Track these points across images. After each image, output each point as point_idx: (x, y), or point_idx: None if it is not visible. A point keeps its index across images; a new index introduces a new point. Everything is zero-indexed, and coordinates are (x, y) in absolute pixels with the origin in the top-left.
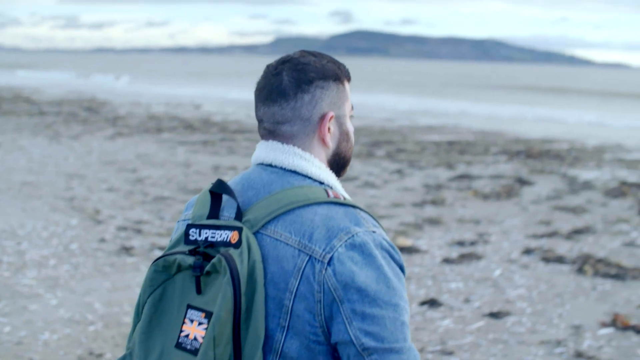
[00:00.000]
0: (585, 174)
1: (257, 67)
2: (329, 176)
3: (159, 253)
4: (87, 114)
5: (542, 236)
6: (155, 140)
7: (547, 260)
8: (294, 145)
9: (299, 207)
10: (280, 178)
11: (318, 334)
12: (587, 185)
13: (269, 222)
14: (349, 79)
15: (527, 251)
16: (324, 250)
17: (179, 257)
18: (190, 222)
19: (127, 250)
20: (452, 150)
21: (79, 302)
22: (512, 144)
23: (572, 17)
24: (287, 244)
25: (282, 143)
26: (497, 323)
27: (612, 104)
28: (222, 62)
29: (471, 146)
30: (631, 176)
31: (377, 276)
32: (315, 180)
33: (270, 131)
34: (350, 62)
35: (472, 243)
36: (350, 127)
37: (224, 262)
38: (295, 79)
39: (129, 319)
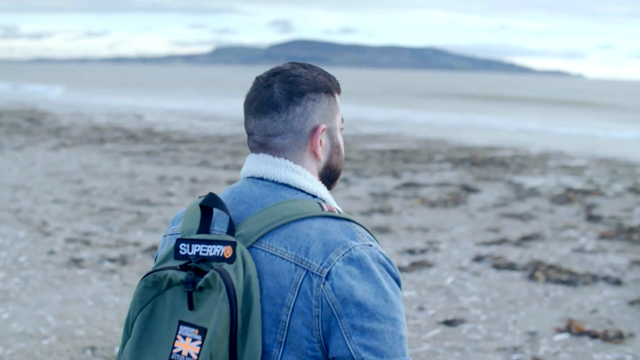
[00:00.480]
0: (530, 180)
1: (197, 76)
2: (321, 189)
3: (109, 265)
4: (30, 124)
5: (491, 243)
6: (99, 151)
7: (498, 267)
8: (285, 158)
9: (294, 221)
10: (273, 192)
11: (316, 349)
12: (533, 192)
13: (262, 236)
14: (339, 92)
15: (478, 258)
16: (321, 264)
17: (170, 272)
18: (179, 236)
19: (76, 262)
20: (397, 159)
21: (31, 315)
22: (456, 151)
23: (511, 26)
24: (283, 259)
25: (274, 156)
26: (453, 331)
27: (552, 112)
28: (162, 72)
29: (415, 154)
30: (576, 182)
31: (375, 290)
32: (308, 194)
33: (261, 144)
34: None
35: (423, 251)
36: (341, 139)
37: (218, 277)
38: (287, 91)
39: (83, 332)
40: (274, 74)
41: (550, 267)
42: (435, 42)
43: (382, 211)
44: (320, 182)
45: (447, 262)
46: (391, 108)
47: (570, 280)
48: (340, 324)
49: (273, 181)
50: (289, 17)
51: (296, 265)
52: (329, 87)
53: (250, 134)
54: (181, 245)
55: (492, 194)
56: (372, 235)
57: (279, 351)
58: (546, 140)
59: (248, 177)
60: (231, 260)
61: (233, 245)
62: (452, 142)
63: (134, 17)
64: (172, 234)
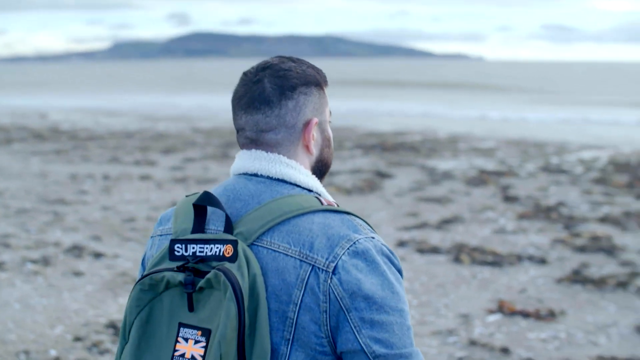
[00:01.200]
0: (442, 164)
1: (98, 73)
2: (316, 183)
3: (31, 266)
4: None
5: (412, 228)
6: (7, 152)
7: (422, 251)
8: (279, 153)
9: (294, 217)
10: (269, 188)
11: (324, 344)
12: (447, 175)
13: (263, 233)
14: (326, 84)
15: (401, 243)
16: (327, 259)
17: (167, 274)
18: (173, 237)
19: None
20: None
21: None
22: (365, 138)
23: (410, 10)
24: (287, 255)
25: (267, 151)
26: None
27: (455, 95)
28: (61, 70)
29: None
30: (488, 164)
31: (381, 282)
32: (303, 189)
33: (252, 140)
34: (189, 65)
35: None
36: (330, 132)
37: (222, 277)
38: (278, 86)
39: (14, 337)
40: (263, 68)
41: (474, 249)
42: (334, 30)
43: None
44: (314, 176)
45: None
46: None
47: (496, 261)
48: (349, 317)
49: (268, 177)
50: (186, 10)
51: (301, 261)
52: (318, 80)
53: (240, 129)
54: (176, 246)
55: (406, 179)
56: (371, 227)
57: (287, 348)
58: (452, 123)
59: (241, 174)
60: (233, 259)
61: (234, 243)
62: (360, 128)
63: (31, 15)
64: (161, 235)
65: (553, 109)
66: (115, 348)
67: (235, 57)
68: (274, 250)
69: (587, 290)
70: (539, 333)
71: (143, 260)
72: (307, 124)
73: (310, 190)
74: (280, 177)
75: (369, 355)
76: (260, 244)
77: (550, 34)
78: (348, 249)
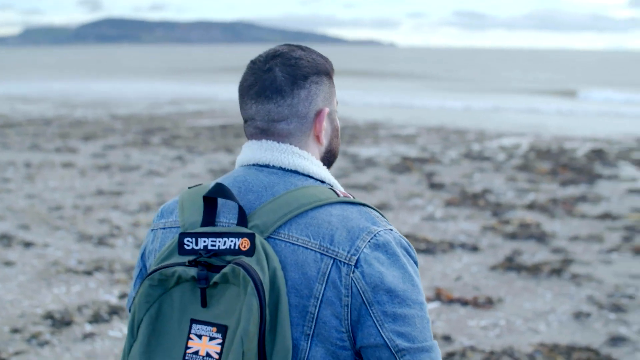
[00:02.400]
0: (364, 151)
1: (9, 59)
2: (328, 174)
3: None
4: None
5: None
6: None
7: None
8: (290, 143)
9: (312, 209)
10: (282, 179)
11: (344, 339)
12: (371, 162)
13: (280, 226)
14: (334, 73)
15: None
16: (348, 252)
17: (179, 269)
18: (181, 230)
19: None
20: (227, 135)
21: None
22: None
23: None
24: (307, 248)
25: (278, 142)
26: None
27: (371, 82)
28: None
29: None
30: (411, 151)
31: (402, 275)
32: (316, 180)
33: (263, 130)
34: (101, 51)
35: None
36: (338, 122)
37: (242, 272)
38: (290, 75)
39: None
40: (272, 57)
41: (406, 236)
42: (246, 16)
43: None
44: (325, 167)
45: None
46: (209, 84)
47: (429, 248)
48: (371, 311)
49: (280, 168)
50: None
51: (322, 254)
52: (328, 69)
53: (250, 119)
54: (186, 240)
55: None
56: (386, 219)
57: (307, 344)
58: (370, 110)
59: (250, 165)
60: (250, 252)
61: (251, 237)
62: None
63: None
64: (165, 228)
65: (469, 96)
66: (54, 339)
67: (148, 43)
68: (293, 244)
69: (522, 277)
70: (478, 321)
71: (142, 254)
72: (318, 113)
73: (322, 182)
74: (293, 168)
75: (392, 349)
76: (277, 237)
77: (462, 20)
78: (369, 241)
